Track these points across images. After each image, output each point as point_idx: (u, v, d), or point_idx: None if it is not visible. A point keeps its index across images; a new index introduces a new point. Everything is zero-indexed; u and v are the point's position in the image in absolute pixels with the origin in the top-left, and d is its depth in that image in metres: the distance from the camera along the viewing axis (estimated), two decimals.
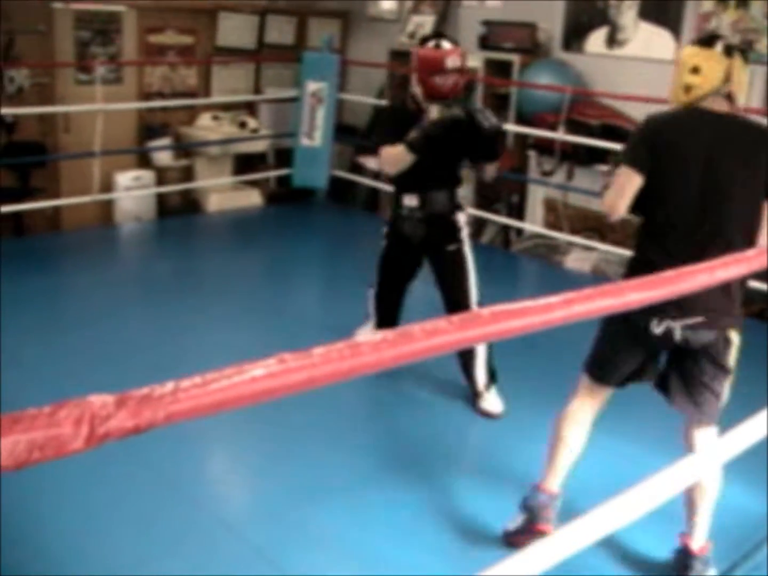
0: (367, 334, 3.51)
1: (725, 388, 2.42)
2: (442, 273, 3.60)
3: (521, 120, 5.94)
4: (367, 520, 2.78)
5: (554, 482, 2.61)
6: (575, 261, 5.68)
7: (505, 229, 6.30)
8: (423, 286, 3.78)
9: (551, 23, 6.01)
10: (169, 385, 0.77)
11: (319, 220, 6.86)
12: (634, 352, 2.44)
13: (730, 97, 2.32)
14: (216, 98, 6.80)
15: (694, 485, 2.43)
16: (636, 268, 2.41)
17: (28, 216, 5.83)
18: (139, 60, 6.30)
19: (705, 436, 2.46)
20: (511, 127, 5.84)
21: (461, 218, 3.57)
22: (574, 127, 5.47)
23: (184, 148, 6.63)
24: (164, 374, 0.84)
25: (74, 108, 5.84)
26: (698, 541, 2.55)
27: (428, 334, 0.97)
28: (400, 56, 6.69)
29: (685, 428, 2.51)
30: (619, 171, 2.37)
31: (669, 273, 1.34)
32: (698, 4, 5.25)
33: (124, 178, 6.17)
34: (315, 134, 6.55)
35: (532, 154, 6.06)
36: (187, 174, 6.64)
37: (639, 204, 2.37)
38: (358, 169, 6.85)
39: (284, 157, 6.87)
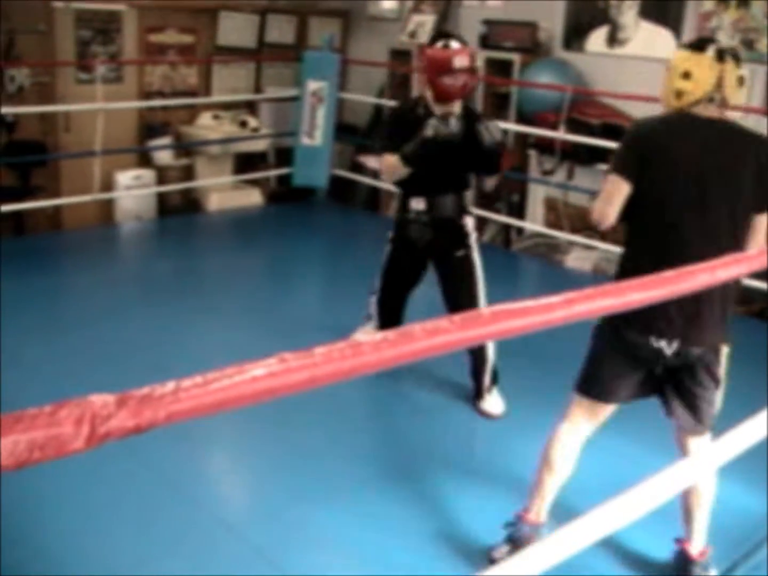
0: (367, 333, 3.51)
1: (718, 397, 2.40)
2: (449, 279, 3.52)
3: (522, 119, 5.94)
4: (367, 520, 2.78)
5: (539, 510, 2.57)
6: (576, 260, 5.68)
7: (506, 228, 6.30)
8: (423, 287, 3.77)
9: (552, 22, 6.01)
10: (170, 385, 0.77)
11: (319, 219, 6.86)
12: (631, 370, 2.38)
13: (722, 103, 2.29)
14: (216, 97, 6.80)
15: (689, 491, 2.42)
16: (627, 274, 2.39)
17: (29, 215, 5.83)
18: (140, 59, 6.29)
19: (699, 443, 2.44)
20: (511, 127, 5.84)
21: (469, 222, 3.50)
22: (575, 126, 5.47)
23: (185, 148, 6.63)
24: (165, 374, 0.84)
25: (75, 107, 5.84)
26: (697, 547, 2.55)
27: (429, 334, 0.96)
28: (400, 55, 6.69)
29: (679, 436, 2.49)
30: (608, 179, 2.34)
31: (669, 273, 1.34)
32: (699, 4, 5.25)
33: (125, 178, 6.17)
34: (315, 133, 6.55)
35: (532, 154, 6.06)
36: (188, 173, 6.64)
37: (629, 210, 2.33)
38: (359, 168, 6.85)
39: (285, 156, 6.86)
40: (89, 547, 2.58)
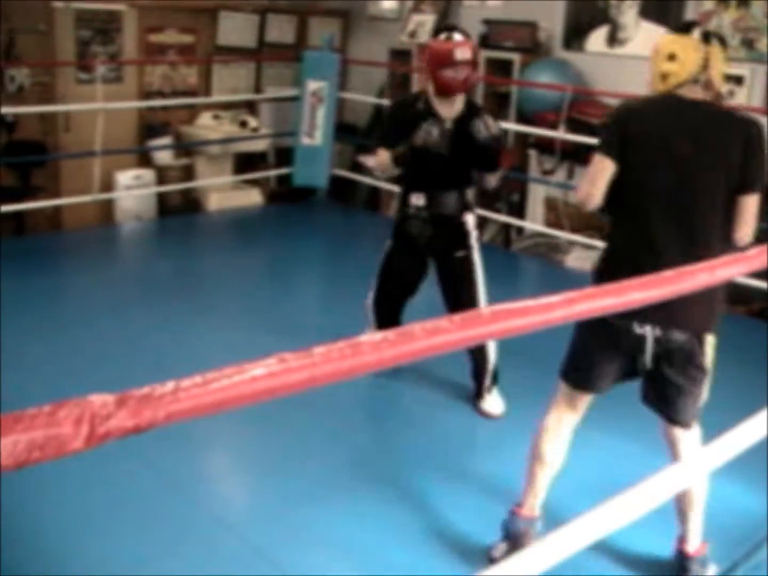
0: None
1: (703, 389, 2.37)
2: (449, 280, 3.50)
3: (522, 119, 5.94)
4: (367, 520, 2.78)
5: (533, 504, 2.57)
6: (576, 260, 5.68)
7: (506, 227, 6.30)
8: (423, 287, 3.76)
9: (552, 22, 6.01)
10: (170, 385, 0.77)
11: (319, 219, 6.86)
12: (612, 355, 2.37)
13: (708, 85, 2.27)
14: (216, 97, 6.80)
15: (681, 494, 2.41)
16: (610, 259, 2.37)
17: (29, 215, 5.83)
18: (140, 59, 6.30)
19: (686, 436, 2.42)
20: (511, 126, 5.84)
21: (470, 220, 3.48)
22: (575, 125, 5.47)
23: (185, 147, 6.63)
24: (164, 374, 0.84)
25: (75, 107, 5.84)
26: (693, 544, 2.55)
27: (429, 334, 0.96)
28: (400, 55, 6.69)
29: (663, 428, 2.47)
30: (593, 159, 2.32)
31: (669, 273, 1.33)
32: (699, 4, 5.25)
33: (125, 177, 6.17)
34: (315, 133, 6.55)
35: (532, 153, 6.06)
36: (188, 173, 6.64)
37: (611, 196, 2.30)
38: (359, 168, 6.85)
39: (285, 156, 6.86)
40: (89, 548, 2.57)
